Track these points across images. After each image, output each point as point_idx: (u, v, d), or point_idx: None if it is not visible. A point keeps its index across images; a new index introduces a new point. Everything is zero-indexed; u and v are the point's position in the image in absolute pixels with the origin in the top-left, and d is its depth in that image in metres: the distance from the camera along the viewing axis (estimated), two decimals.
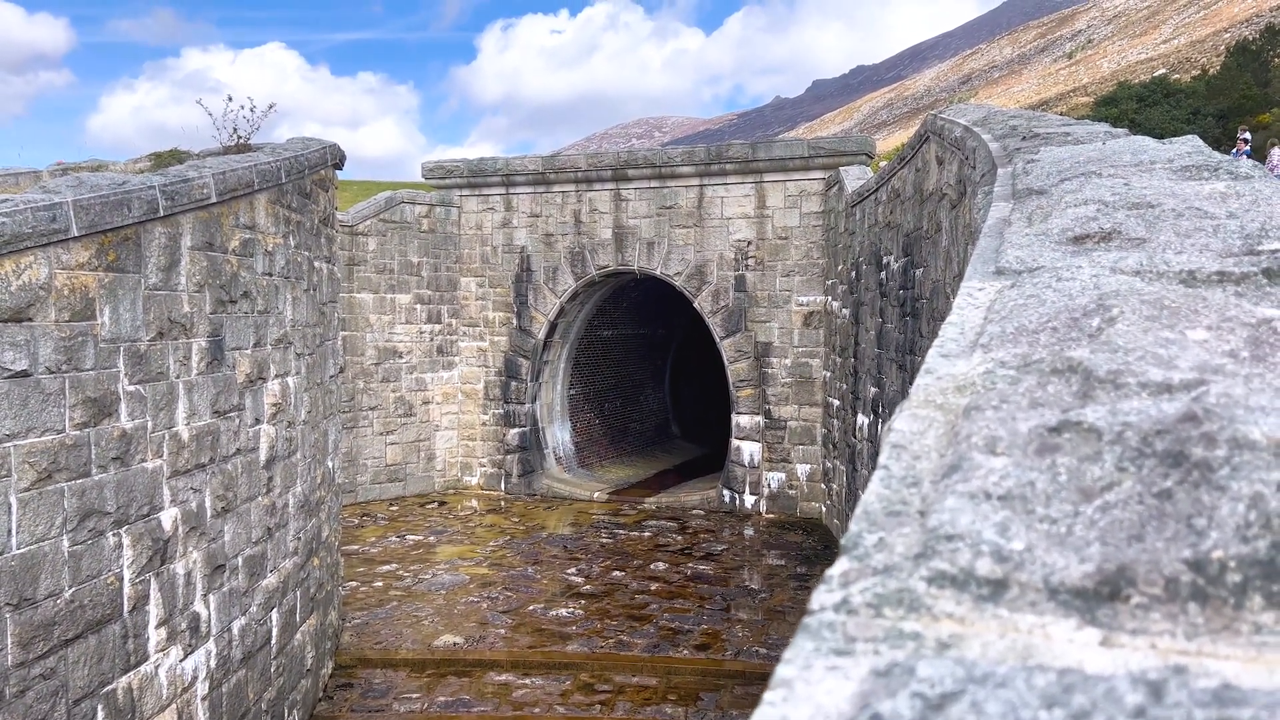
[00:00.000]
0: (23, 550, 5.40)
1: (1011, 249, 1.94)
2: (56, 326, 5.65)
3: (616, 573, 14.15)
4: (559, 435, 21.29)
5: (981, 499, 0.85)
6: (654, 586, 13.44)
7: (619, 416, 23.94)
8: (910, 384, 1.21)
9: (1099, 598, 0.72)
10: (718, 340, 18.58)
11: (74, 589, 5.80)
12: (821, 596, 0.76)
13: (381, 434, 19.36)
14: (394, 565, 14.38)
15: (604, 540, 16.21)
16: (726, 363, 18.48)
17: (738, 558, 15.15)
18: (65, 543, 5.73)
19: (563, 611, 12.33)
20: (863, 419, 14.02)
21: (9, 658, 5.32)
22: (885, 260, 12.69)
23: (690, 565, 14.56)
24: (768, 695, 0.64)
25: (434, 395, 20.20)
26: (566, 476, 20.68)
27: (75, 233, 5.76)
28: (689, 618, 12.07)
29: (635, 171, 18.93)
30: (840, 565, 0.80)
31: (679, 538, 16.43)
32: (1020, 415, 1.00)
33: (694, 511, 18.50)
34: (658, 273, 18.95)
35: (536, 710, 9.66)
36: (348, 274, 18.28)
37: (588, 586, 13.48)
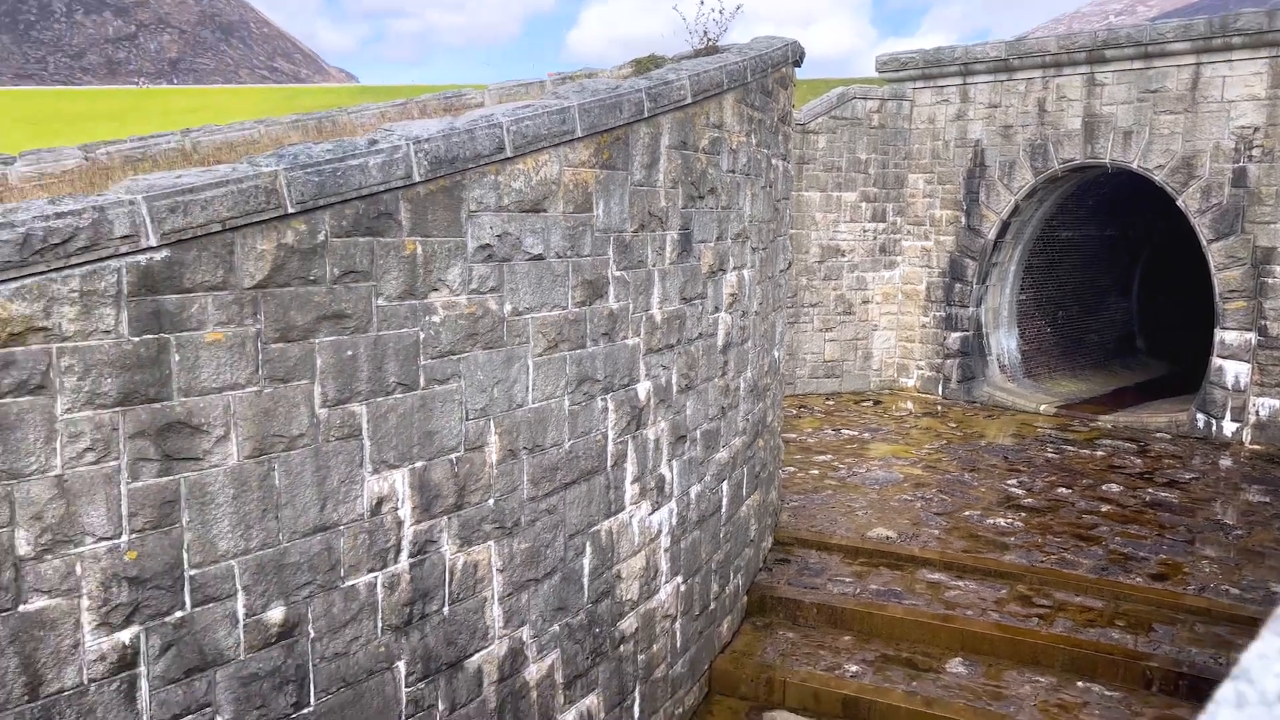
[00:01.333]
0: (536, 405, 6.45)
1: None
2: (563, 217, 6.54)
3: (1061, 489, 13.37)
4: (1004, 342, 20.26)
5: None
6: (1104, 508, 12.52)
7: (1074, 326, 22.12)
8: None
9: None
10: (1204, 244, 16.29)
11: (571, 442, 6.83)
12: None
13: (821, 330, 19.84)
14: (829, 456, 14.87)
15: (1049, 455, 15.33)
16: (1213, 270, 16.18)
17: (1209, 489, 13.54)
18: (566, 402, 6.74)
19: (1000, 521, 11.98)
20: None
21: (524, 492, 6.45)
22: None
23: (1149, 491, 13.30)
24: None
25: (874, 295, 20.18)
26: (1010, 386, 19.70)
27: (579, 134, 6.56)
28: (1144, 545, 11.12)
29: (1114, 52, 16.90)
30: None
31: (1138, 460, 15.04)
32: None
33: (1157, 434, 16.74)
34: (1134, 166, 16.94)
35: (969, 613, 9.61)
36: (797, 172, 18.67)
37: (1028, 500, 12.92)
